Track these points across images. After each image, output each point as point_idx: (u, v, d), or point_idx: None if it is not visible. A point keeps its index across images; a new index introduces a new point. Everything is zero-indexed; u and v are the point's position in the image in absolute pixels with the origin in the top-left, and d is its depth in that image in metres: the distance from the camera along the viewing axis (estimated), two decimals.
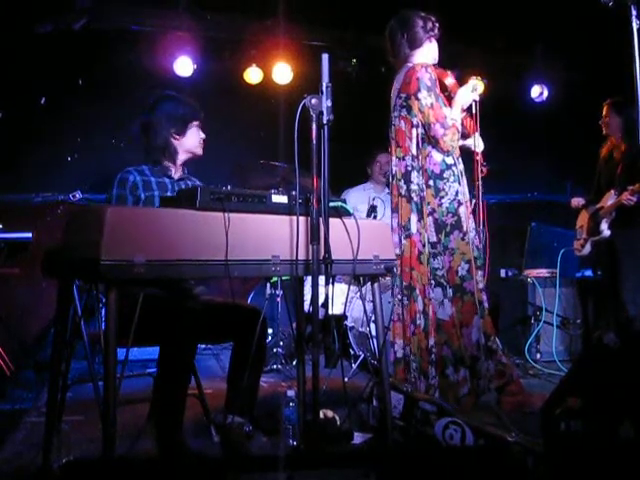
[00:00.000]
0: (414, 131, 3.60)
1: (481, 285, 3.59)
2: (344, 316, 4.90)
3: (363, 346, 4.81)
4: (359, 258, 2.62)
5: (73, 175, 5.62)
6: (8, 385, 4.34)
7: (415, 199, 3.60)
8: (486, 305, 3.63)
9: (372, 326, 4.06)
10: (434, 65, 3.70)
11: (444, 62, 6.71)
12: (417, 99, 3.55)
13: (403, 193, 3.66)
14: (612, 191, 4.76)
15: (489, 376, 3.56)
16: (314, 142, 2.42)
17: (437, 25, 3.74)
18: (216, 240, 2.29)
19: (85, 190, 4.95)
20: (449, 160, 3.58)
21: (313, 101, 2.42)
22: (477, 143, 3.72)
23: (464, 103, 3.61)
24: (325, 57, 2.46)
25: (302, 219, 2.50)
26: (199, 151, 3.19)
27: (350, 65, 6.63)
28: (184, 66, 6.05)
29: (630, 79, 2.67)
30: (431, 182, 3.57)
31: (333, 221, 2.55)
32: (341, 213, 2.65)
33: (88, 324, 3.05)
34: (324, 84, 2.44)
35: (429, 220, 3.57)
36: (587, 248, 4.98)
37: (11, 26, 5.41)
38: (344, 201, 2.70)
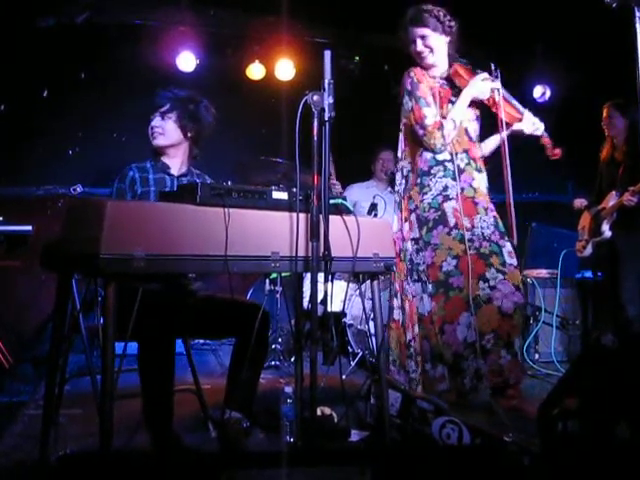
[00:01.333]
0: (400, 135, 3.70)
1: (493, 282, 3.44)
2: (343, 313, 4.90)
3: (361, 344, 4.82)
4: (359, 256, 2.62)
5: (74, 169, 5.63)
6: (6, 378, 4.35)
7: (397, 198, 3.68)
8: (499, 304, 3.43)
9: (371, 324, 4.06)
10: (460, 62, 3.67)
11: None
12: (401, 104, 3.63)
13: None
14: (613, 192, 4.76)
15: (479, 375, 3.44)
16: (315, 139, 2.42)
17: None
18: (216, 236, 2.28)
19: (86, 184, 4.95)
20: (441, 156, 3.53)
21: (315, 98, 2.42)
22: (527, 126, 3.67)
23: (470, 95, 3.55)
24: (327, 54, 2.46)
25: (302, 216, 2.49)
26: (153, 142, 3.16)
27: (352, 62, 6.62)
28: (187, 61, 6.05)
29: (632, 80, 2.67)
30: (418, 180, 3.56)
31: (333, 218, 2.54)
32: (341, 210, 2.65)
33: (86, 318, 3.06)
34: (326, 81, 2.44)
35: (412, 217, 3.56)
36: (588, 249, 4.98)
37: (13, 20, 5.40)
38: (344, 198, 2.70)
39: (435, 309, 3.47)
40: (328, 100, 2.42)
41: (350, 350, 4.95)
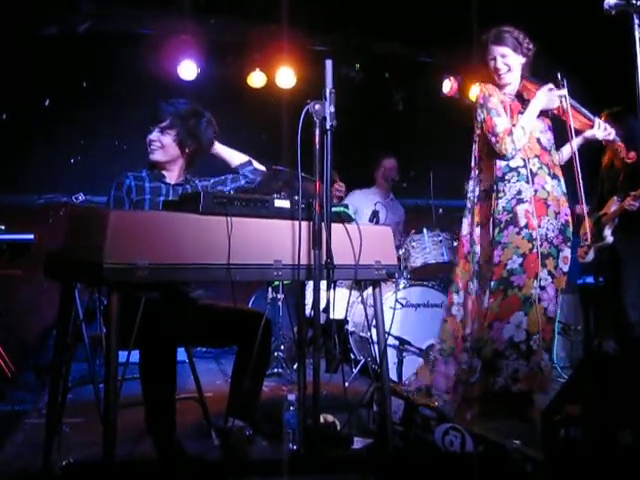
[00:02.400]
0: (474, 145, 3.81)
1: (543, 283, 3.54)
2: (345, 321, 4.91)
3: (364, 351, 4.82)
4: (361, 263, 2.63)
5: (76, 177, 5.64)
6: (8, 386, 4.35)
7: (469, 204, 3.80)
8: (545, 305, 3.55)
9: (373, 331, 4.06)
10: (527, 78, 3.74)
11: (446, 69, 6.78)
12: (475, 118, 3.74)
13: None
14: (615, 198, 4.77)
15: (515, 377, 3.50)
16: (317, 148, 2.43)
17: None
18: (218, 244, 2.30)
19: (88, 192, 4.96)
20: (514, 163, 3.62)
21: (316, 107, 2.43)
22: (599, 132, 3.74)
23: (539, 105, 3.63)
24: (329, 63, 2.47)
25: (304, 224, 2.50)
26: (149, 155, 3.16)
27: (353, 70, 6.64)
28: (188, 70, 6.06)
29: (631, 87, 2.68)
30: (494, 186, 3.66)
31: (335, 226, 2.55)
32: (343, 218, 2.66)
33: (89, 326, 3.06)
34: (327, 90, 2.45)
35: (490, 221, 3.66)
36: (591, 255, 4.98)
37: (16, 28, 5.42)
38: (346, 206, 2.70)
39: (492, 305, 3.54)
40: (329, 109, 2.43)
41: (352, 357, 4.96)
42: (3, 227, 4.69)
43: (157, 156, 3.15)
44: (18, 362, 4.65)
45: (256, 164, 3.40)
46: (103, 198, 5.40)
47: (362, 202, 5.63)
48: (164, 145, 3.13)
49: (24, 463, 2.94)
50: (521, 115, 3.65)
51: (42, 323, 5.29)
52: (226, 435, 2.87)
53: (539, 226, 3.55)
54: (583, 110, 3.75)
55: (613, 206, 4.78)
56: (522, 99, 3.73)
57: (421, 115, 6.70)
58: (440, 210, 5.80)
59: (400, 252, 5.01)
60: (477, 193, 3.79)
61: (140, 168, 3.18)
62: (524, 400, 3.53)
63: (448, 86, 6.82)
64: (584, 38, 5.01)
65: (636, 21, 2.72)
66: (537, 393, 3.57)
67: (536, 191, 3.59)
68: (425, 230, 5.06)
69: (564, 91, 3.64)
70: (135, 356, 2.46)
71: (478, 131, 3.77)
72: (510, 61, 3.67)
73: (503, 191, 3.61)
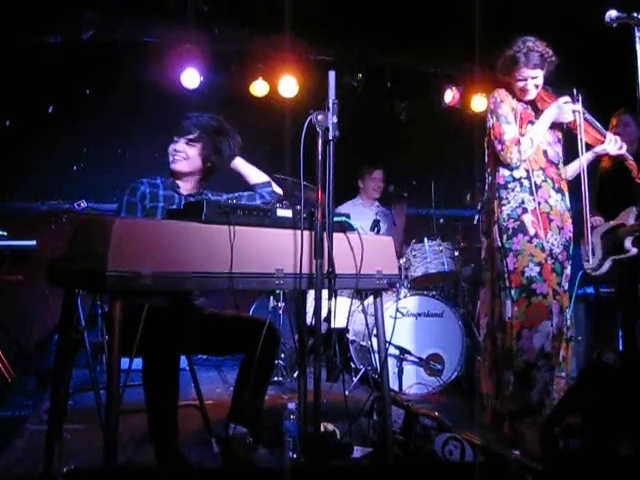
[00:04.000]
0: (486, 151, 3.79)
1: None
2: (346, 329, 4.92)
3: (364, 360, 4.83)
4: (362, 273, 2.64)
5: (79, 184, 5.65)
6: (9, 392, 4.36)
7: (486, 209, 3.77)
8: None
9: (373, 340, 4.07)
10: (544, 88, 3.68)
11: (448, 79, 6.80)
12: (486, 123, 3.73)
13: None
14: (633, 208, 4.64)
15: (547, 390, 3.44)
16: (320, 158, 2.45)
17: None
18: (221, 253, 2.31)
19: (90, 199, 4.98)
20: (517, 174, 3.59)
21: (319, 117, 2.44)
22: (611, 148, 3.69)
23: (551, 116, 3.60)
24: (332, 74, 2.49)
25: (306, 233, 2.52)
26: (170, 163, 3.18)
27: (356, 80, 6.66)
28: (191, 78, 6.07)
29: (633, 98, 2.70)
30: (497, 193, 3.64)
31: (337, 236, 2.56)
32: (345, 228, 2.68)
33: (90, 333, 3.07)
34: (330, 101, 2.47)
35: (495, 228, 3.62)
36: (605, 267, 4.80)
37: (20, 36, 5.45)
38: (348, 216, 2.72)
39: (516, 313, 3.48)
40: (332, 119, 2.45)
41: (353, 366, 4.96)
42: (5, 233, 4.71)
43: (180, 166, 3.17)
44: (19, 367, 4.65)
45: (275, 187, 3.38)
46: (105, 205, 5.46)
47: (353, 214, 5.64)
48: (189, 157, 3.16)
49: (25, 469, 2.94)
50: (531, 125, 3.63)
51: (43, 329, 5.29)
52: (227, 442, 2.87)
53: (545, 239, 3.52)
54: (597, 124, 3.71)
55: (630, 216, 4.65)
56: (535, 108, 3.70)
57: (423, 125, 6.71)
58: (441, 220, 5.82)
59: (401, 261, 5.02)
60: (489, 198, 3.75)
61: (146, 175, 3.20)
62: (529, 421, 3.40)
63: (450, 96, 6.84)
64: (587, 50, 5.01)
65: (637, 34, 2.74)
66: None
67: (539, 203, 3.55)
68: (426, 240, 5.07)
69: (578, 106, 3.60)
70: (137, 363, 2.47)
71: (487, 137, 3.75)
72: (539, 81, 3.63)
73: (506, 199, 3.58)
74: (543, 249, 3.49)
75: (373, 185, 5.91)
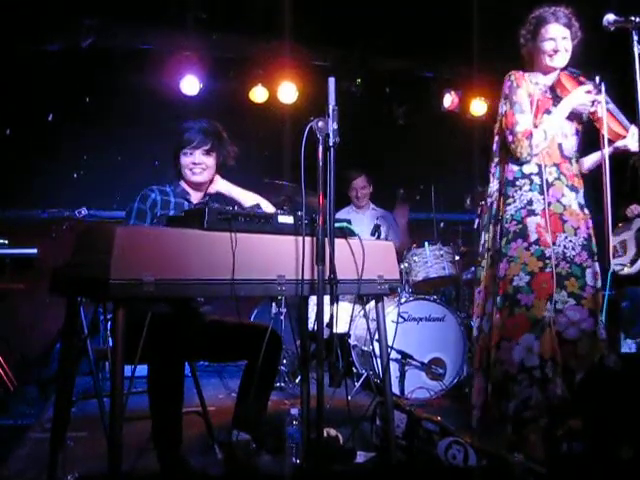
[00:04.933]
0: (495, 138, 3.55)
1: (560, 306, 3.24)
2: (348, 334, 4.92)
3: (366, 365, 4.83)
4: (364, 278, 2.65)
5: (79, 192, 5.66)
6: (11, 400, 4.36)
7: (488, 203, 3.55)
8: (561, 329, 3.22)
9: (375, 345, 4.07)
10: (569, 71, 3.46)
11: (447, 83, 6.82)
12: (499, 108, 3.50)
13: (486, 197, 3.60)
14: None
15: (527, 404, 3.16)
16: (320, 164, 2.46)
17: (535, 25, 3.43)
18: (223, 260, 2.32)
19: (91, 207, 4.99)
20: (527, 169, 3.36)
21: (319, 124, 2.45)
22: (632, 143, 3.38)
23: (570, 106, 3.35)
24: (331, 81, 2.50)
25: (308, 239, 2.53)
26: (189, 176, 3.21)
27: (354, 85, 6.68)
28: (190, 85, 6.09)
29: (632, 102, 2.71)
30: (504, 190, 3.43)
31: (338, 241, 2.57)
32: (346, 233, 2.68)
33: (92, 340, 3.08)
34: (330, 107, 2.48)
35: (497, 228, 3.42)
36: (637, 266, 4.61)
37: (19, 44, 5.47)
38: (349, 221, 2.72)
39: (497, 322, 3.30)
40: (332, 126, 2.46)
41: (355, 371, 4.96)
42: (6, 241, 4.71)
43: (202, 178, 3.21)
44: (20, 376, 4.65)
45: (265, 206, 3.31)
46: (106, 212, 5.47)
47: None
48: (208, 167, 3.21)
49: (29, 478, 2.95)
50: (547, 115, 3.38)
51: (44, 337, 5.28)
52: (230, 449, 2.88)
53: (554, 244, 3.28)
54: (620, 117, 3.42)
55: None
56: (555, 94, 3.43)
57: (422, 129, 6.73)
58: (441, 224, 5.83)
59: (402, 266, 5.02)
60: (495, 191, 3.52)
61: (147, 182, 3.21)
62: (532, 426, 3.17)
63: (449, 100, 6.86)
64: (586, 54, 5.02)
65: (635, 37, 2.75)
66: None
67: (550, 204, 3.30)
68: (427, 244, 5.07)
69: (601, 96, 3.32)
70: (140, 370, 2.48)
71: (497, 123, 3.51)
72: (568, 44, 3.38)
73: (513, 197, 3.36)
74: (541, 257, 3.26)
75: (355, 194, 5.86)
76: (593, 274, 3.33)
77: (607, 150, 3.36)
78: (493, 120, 3.62)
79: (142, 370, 2.65)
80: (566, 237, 3.30)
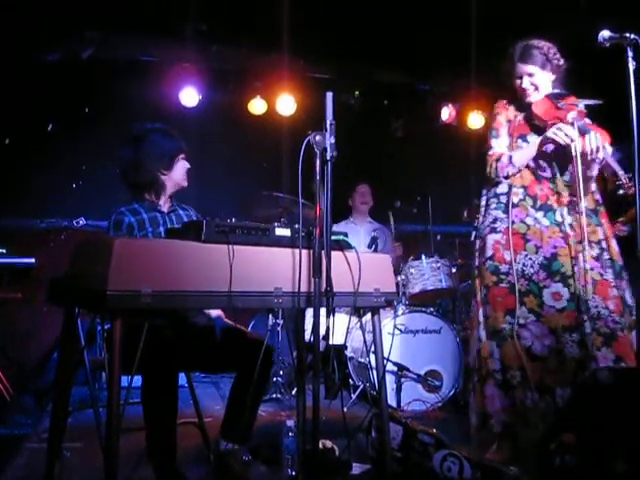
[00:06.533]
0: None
1: (523, 320, 3.28)
2: (344, 346, 4.93)
3: (362, 377, 4.84)
4: (360, 291, 2.66)
5: (77, 202, 5.68)
6: (8, 410, 4.35)
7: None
8: (528, 344, 3.26)
9: (372, 357, 4.08)
10: (551, 94, 3.47)
11: (445, 97, 6.86)
12: None
13: None
14: None
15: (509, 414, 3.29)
16: (317, 178, 2.48)
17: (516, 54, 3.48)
18: (220, 272, 2.33)
19: (89, 217, 5.00)
20: (500, 189, 3.48)
21: (317, 138, 2.47)
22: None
23: (537, 146, 3.38)
24: (329, 95, 2.52)
25: (304, 252, 2.54)
26: (185, 183, 3.25)
27: (352, 97, 6.72)
28: (189, 97, 6.13)
29: (627, 117, 2.73)
30: (481, 210, 3.62)
31: (335, 254, 2.58)
32: (343, 246, 2.70)
33: (88, 350, 3.08)
34: (328, 121, 2.50)
35: (477, 243, 3.59)
36: None
37: (19, 54, 5.50)
38: (346, 234, 2.74)
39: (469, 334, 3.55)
40: (330, 140, 2.48)
41: (351, 383, 4.97)
42: (4, 251, 4.72)
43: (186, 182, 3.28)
44: (17, 386, 4.65)
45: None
46: (104, 223, 5.45)
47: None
48: None
49: None
50: (521, 140, 3.47)
51: (41, 347, 5.28)
52: (223, 459, 2.88)
53: (515, 261, 3.33)
54: (615, 167, 3.28)
55: None
56: (532, 119, 3.47)
57: (420, 142, 6.76)
58: (438, 236, 5.85)
59: (399, 278, 5.04)
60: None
61: (129, 202, 3.17)
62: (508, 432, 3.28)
63: (447, 113, 6.90)
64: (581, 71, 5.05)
65: (630, 54, 2.78)
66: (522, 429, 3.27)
67: (513, 222, 3.38)
68: (423, 256, 5.09)
69: (575, 133, 3.24)
70: (136, 381, 2.48)
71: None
72: (537, 80, 3.43)
73: (484, 215, 3.54)
74: (495, 272, 3.36)
75: (360, 199, 5.96)
76: (552, 294, 3.33)
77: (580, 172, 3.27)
78: None
79: (139, 381, 2.67)
80: (526, 255, 3.36)
